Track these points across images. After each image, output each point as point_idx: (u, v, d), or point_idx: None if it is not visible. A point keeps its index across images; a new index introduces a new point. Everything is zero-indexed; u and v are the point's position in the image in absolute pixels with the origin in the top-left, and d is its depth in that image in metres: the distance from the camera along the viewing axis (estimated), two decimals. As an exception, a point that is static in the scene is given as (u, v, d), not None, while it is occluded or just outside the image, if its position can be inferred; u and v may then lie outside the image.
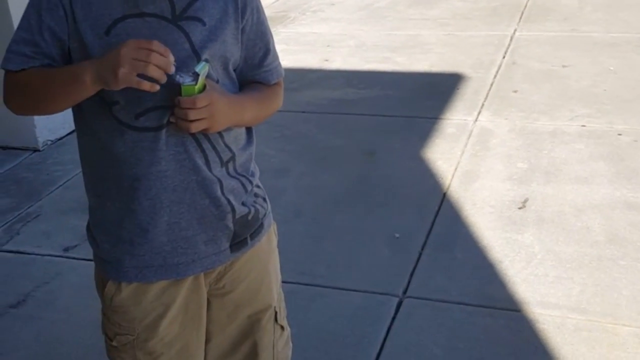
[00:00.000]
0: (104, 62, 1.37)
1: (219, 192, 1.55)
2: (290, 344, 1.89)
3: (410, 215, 3.38)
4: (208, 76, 1.47)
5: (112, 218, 1.56)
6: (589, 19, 5.86)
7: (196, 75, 1.40)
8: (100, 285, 1.63)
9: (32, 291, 3.02)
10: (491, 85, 4.76)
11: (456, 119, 4.31)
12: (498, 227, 3.22)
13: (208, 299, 1.67)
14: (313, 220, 3.41)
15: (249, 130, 1.65)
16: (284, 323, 1.82)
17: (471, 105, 4.48)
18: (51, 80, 1.45)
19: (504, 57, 5.22)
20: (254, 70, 1.61)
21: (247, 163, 1.64)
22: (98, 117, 1.50)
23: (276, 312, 1.77)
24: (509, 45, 5.44)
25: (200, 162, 1.52)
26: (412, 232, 3.24)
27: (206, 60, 1.47)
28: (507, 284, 2.82)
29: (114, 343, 1.63)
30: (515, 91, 4.65)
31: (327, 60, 5.44)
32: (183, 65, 1.43)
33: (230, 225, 1.58)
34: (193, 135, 1.48)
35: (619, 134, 3.97)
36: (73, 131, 4.37)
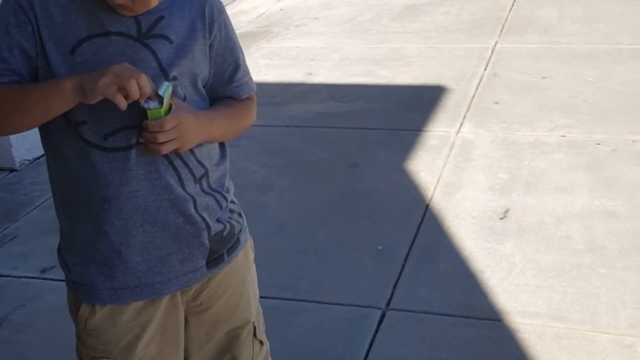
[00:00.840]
0: (90, 74, 1.39)
1: (192, 210, 1.55)
2: (270, 359, 1.90)
3: (393, 227, 3.41)
4: (175, 94, 1.48)
5: (84, 240, 1.55)
6: (567, 30, 5.93)
7: (161, 99, 1.41)
8: (74, 309, 1.61)
9: (8, 314, 2.99)
10: (473, 97, 4.81)
11: (438, 131, 4.36)
12: (480, 237, 3.25)
13: (185, 318, 1.66)
14: (297, 234, 3.44)
15: (222, 145, 1.66)
16: (263, 338, 1.82)
17: (453, 117, 4.53)
18: (25, 93, 1.43)
19: (485, 69, 5.28)
20: (225, 86, 1.62)
21: (222, 179, 1.65)
22: (65, 138, 1.49)
23: (255, 327, 1.77)
24: (490, 57, 5.50)
25: (173, 180, 1.52)
26: (395, 244, 3.27)
27: (173, 79, 1.48)
28: (489, 294, 2.85)
29: None
30: (497, 103, 4.70)
31: (310, 74, 5.48)
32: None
33: (206, 242, 1.59)
34: (164, 154, 1.49)
35: (598, 144, 4.02)
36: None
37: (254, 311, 1.78)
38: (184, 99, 1.52)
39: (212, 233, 1.59)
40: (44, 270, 3.28)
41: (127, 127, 1.47)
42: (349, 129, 4.54)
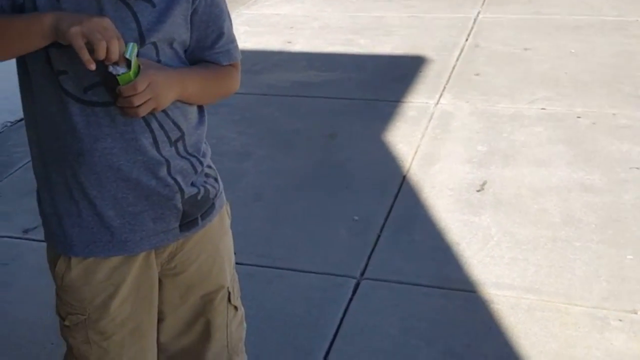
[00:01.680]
0: (69, 16, 1.36)
1: (165, 173, 1.54)
2: (245, 324, 1.88)
3: (369, 197, 3.39)
4: (152, 59, 1.45)
5: (59, 189, 1.54)
6: (551, 1, 5.91)
7: (128, 62, 1.38)
8: (52, 265, 1.62)
9: (-11, 274, 2.98)
10: (453, 68, 4.78)
11: (418, 102, 4.33)
12: (456, 209, 3.24)
13: (160, 279, 1.66)
14: (273, 203, 3.41)
15: (200, 109, 1.63)
16: (238, 303, 1.82)
17: (433, 88, 4.50)
18: (7, 21, 1.41)
19: (467, 40, 5.24)
20: (205, 52, 1.58)
21: (198, 143, 1.62)
22: (45, 86, 1.47)
23: (229, 293, 1.76)
24: (472, 27, 5.46)
25: (147, 142, 1.50)
26: (371, 214, 3.25)
27: (152, 44, 1.45)
28: (464, 266, 2.85)
29: (67, 323, 1.63)
30: (477, 74, 4.67)
31: (289, 42, 5.41)
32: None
33: (179, 205, 1.57)
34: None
35: (578, 117, 4.02)
36: (30, 113, 4.37)
37: (229, 277, 1.77)
38: (159, 62, 1.49)
39: (186, 196, 1.58)
40: (25, 231, 3.26)
41: (105, 85, 1.44)
42: (328, 99, 4.50)
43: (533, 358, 2.37)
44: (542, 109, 4.14)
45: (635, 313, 2.53)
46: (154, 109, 1.45)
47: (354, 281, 2.80)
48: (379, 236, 3.09)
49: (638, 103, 4.16)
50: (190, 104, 1.58)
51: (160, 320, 1.72)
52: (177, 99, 1.52)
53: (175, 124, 1.54)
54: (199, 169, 1.62)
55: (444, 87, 4.50)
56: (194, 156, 1.60)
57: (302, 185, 3.54)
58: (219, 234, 1.72)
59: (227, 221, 1.76)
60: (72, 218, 1.54)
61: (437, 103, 4.30)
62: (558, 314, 2.55)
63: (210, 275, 1.71)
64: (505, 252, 2.92)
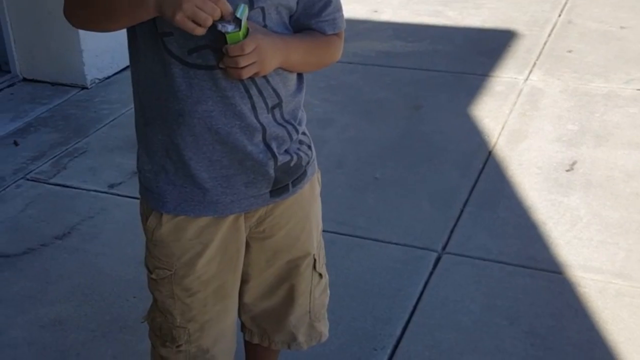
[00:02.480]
0: None
1: (260, 139, 1.54)
2: (328, 292, 1.89)
3: (453, 171, 3.33)
4: (252, 20, 1.44)
5: (157, 148, 1.56)
6: (652, -21, 5.63)
7: (238, 21, 1.37)
8: (144, 218, 1.64)
9: (77, 224, 3.06)
10: (545, 44, 4.63)
11: (506, 77, 4.21)
12: (544, 188, 3.15)
13: (248, 242, 1.67)
14: (355, 171, 3.39)
15: (299, 77, 1.62)
16: (323, 271, 1.82)
17: (523, 63, 4.37)
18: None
19: (559, 16, 5.06)
20: (311, 19, 1.56)
21: (296, 110, 1.61)
22: (151, 47, 1.48)
23: (315, 260, 1.77)
24: (566, 3, 5.27)
25: (246, 108, 1.50)
26: (455, 188, 3.19)
27: (260, 9, 1.45)
28: (550, 246, 2.77)
29: (153, 276, 1.65)
30: (570, 51, 4.51)
31: (376, 12, 5.34)
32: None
33: (271, 172, 1.57)
34: (241, 80, 1.47)
35: (676, 100, 3.84)
36: (121, 71, 4.47)
37: (315, 244, 1.77)
38: (265, 27, 1.49)
39: (279, 163, 1.57)
40: (111, 186, 3.33)
41: (211, 47, 1.44)
42: (413, 70, 4.43)
43: (620, 344, 2.30)
44: (638, 89, 3.98)
45: None
46: (255, 74, 1.44)
47: (435, 255, 2.77)
48: (462, 211, 3.03)
49: None
50: (291, 72, 1.57)
51: (245, 281, 1.73)
52: (280, 66, 1.51)
53: (274, 90, 1.53)
54: (294, 136, 1.61)
55: (534, 63, 4.36)
56: (291, 123, 1.59)
57: (384, 155, 3.51)
58: (309, 201, 1.72)
59: (318, 188, 1.76)
60: (166, 176, 1.56)
61: (527, 79, 4.18)
62: (648, 301, 2.47)
63: (298, 241, 1.71)
64: (594, 234, 2.82)
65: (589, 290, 2.53)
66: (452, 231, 2.91)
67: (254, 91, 1.50)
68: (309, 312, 1.83)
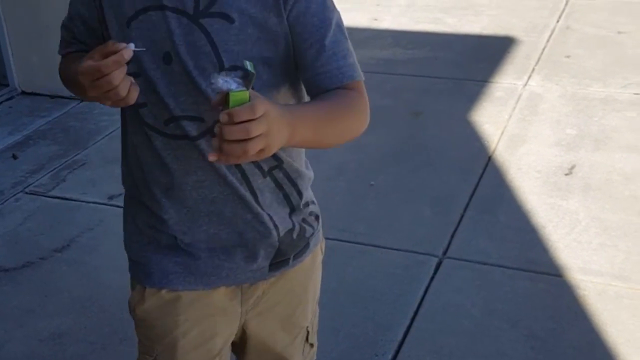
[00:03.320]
0: (85, 66, 1.21)
1: (258, 208, 1.38)
2: (315, 358, 1.77)
3: (454, 176, 3.35)
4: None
5: (146, 223, 1.43)
6: (649, -16, 5.65)
7: (245, 77, 1.04)
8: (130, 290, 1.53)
9: (76, 236, 3.07)
10: (543, 49, 4.65)
11: (505, 83, 4.24)
12: (543, 192, 3.17)
13: (244, 330, 1.53)
14: (356, 178, 3.41)
15: None
16: (314, 340, 1.69)
17: (521, 69, 4.39)
18: (68, 63, 1.40)
19: (557, 22, 5.09)
20: (307, 73, 1.31)
21: (299, 169, 1.43)
22: (133, 118, 1.37)
23: (308, 332, 1.65)
24: (564, 9, 5.29)
25: (235, 178, 1.34)
26: (455, 193, 3.21)
27: (231, 68, 1.23)
28: (549, 249, 2.79)
29: (140, 357, 1.54)
30: (568, 56, 4.53)
31: (376, 20, 5.37)
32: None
33: (275, 242, 1.42)
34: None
35: (674, 103, 3.86)
36: (121, 82, 4.48)
37: (310, 316, 1.64)
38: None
39: (281, 233, 1.42)
40: (111, 198, 3.34)
41: (187, 118, 1.29)
42: (413, 77, 4.45)
43: (620, 346, 2.30)
44: (636, 93, 4.00)
45: None
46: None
47: (436, 260, 2.78)
48: (462, 216, 3.05)
49: None
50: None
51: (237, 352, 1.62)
52: (285, 145, 1.17)
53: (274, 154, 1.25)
54: (298, 201, 1.43)
55: (533, 69, 4.39)
56: (294, 185, 1.42)
57: (385, 161, 3.53)
58: (308, 273, 1.57)
59: (320, 257, 1.60)
60: (154, 248, 1.44)
61: (526, 84, 4.20)
62: (648, 303, 2.48)
63: (293, 317, 1.58)
64: (593, 237, 2.84)
65: (588, 293, 2.54)
66: (452, 236, 2.92)
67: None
68: None
